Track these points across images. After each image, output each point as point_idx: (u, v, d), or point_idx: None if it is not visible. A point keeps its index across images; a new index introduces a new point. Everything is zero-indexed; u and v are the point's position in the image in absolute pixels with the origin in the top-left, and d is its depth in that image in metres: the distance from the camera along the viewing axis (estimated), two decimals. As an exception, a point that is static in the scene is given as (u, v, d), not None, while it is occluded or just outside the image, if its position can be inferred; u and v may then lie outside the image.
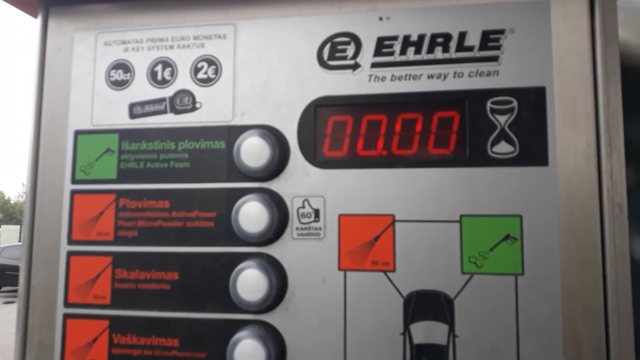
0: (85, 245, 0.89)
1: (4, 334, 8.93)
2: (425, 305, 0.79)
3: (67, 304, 0.89)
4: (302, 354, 0.82)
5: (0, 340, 8.56)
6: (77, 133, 0.91)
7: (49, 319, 0.89)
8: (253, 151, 0.83)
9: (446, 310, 0.79)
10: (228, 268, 0.84)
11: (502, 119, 0.79)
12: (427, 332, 0.79)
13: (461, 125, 0.80)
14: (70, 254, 0.89)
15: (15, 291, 13.72)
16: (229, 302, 0.83)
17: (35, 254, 0.91)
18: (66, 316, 0.89)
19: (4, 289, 14.07)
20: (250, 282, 0.82)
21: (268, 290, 0.81)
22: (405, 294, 0.80)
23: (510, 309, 0.77)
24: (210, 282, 0.85)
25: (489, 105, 0.80)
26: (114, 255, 0.88)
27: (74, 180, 0.91)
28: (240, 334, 0.82)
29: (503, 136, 0.79)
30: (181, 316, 0.85)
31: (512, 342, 0.77)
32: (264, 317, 0.83)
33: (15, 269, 12.96)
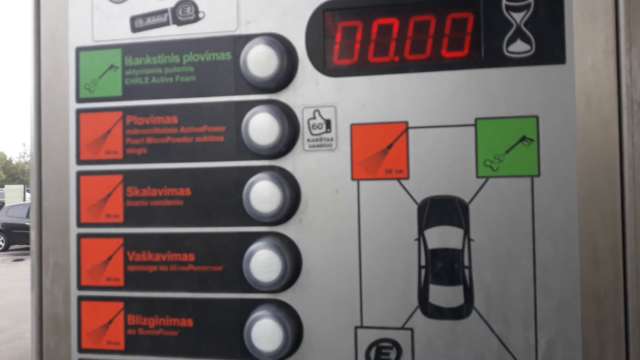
0: (94, 164, 0.88)
1: (15, 290, 9.13)
2: (440, 210, 0.79)
3: (80, 224, 0.89)
4: (317, 263, 0.82)
5: (13, 295, 8.75)
6: (79, 50, 0.89)
7: (63, 240, 0.89)
8: (260, 60, 0.81)
9: (461, 214, 0.78)
10: (240, 182, 0.83)
11: (517, 17, 0.76)
12: (442, 237, 0.79)
13: (475, 25, 0.78)
14: (79, 174, 0.88)
15: (24, 249, 13.94)
16: (243, 215, 0.83)
17: (45, 176, 0.90)
18: (80, 236, 0.89)
19: (12, 247, 14.28)
20: (263, 194, 0.81)
21: (282, 201, 0.81)
22: (419, 200, 0.80)
23: (526, 212, 0.77)
24: (223, 196, 0.84)
25: (504, 2, 0.77)
26: (125, 173, 0.87)
27: (79, 99, 0.89)
28: (255, 245, 0.82)
29: (519, 34, 0.76)
30: (196, 231, 0.85)
31: (527, 245, 0.77)
32: (279, 229, 0.83)
33: (22, 227, 13.11)
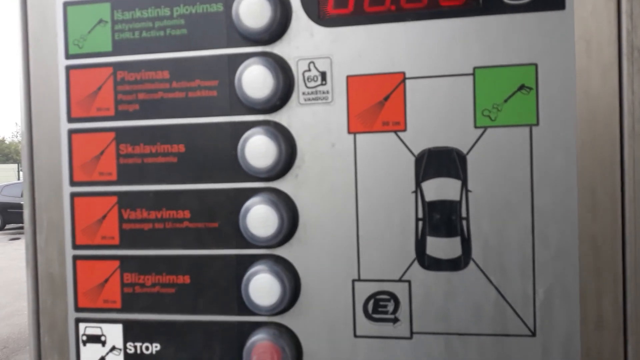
0: (85, 122, 0.87)
1: (13, 268, 9.15)
2: (437, 162, 0.78)
3: (73, 183, 0.87)
4: (314, 218, 0.81)
5: (10, 274, 8.78)
6: (66, 5, 0.86)
7: (56, 199, 0.88)
8: (253, 11, 0.79)
9: (459, 166, 0.78)
10: (235, 137, 0.82)
11: (517, -39, 0.74)
12: (439, 188, 0.78)
13: (473, -29, 0.76)
14: (71, 132, 0.87)
15: (20, 228, 13.93)
16: (239, 171, 0.82)
17: (36, 135, 0.88)
18: (73, 195, 0.87)
19: (7, 226, 14.27)
20: (258, 149, 0.80)
21: (277, 156, 0.80)
22: (416, 152, 0.79)
23: (525, 161, 0.76)
24: (217, 152, 0.83)
25: (503, -54, 0.75)
26: (117, 130, 0.86)
27: (68, 56, 0.87)
28: (252, 201, 0.81)
29: (518, -21, 0.75)
30: (190, 188, 0.84)
31: (526, 194, 0.76)
32: (275, 184, 0.82)
33: (17, 206, 13.07)
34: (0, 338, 5.82)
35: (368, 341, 0.80)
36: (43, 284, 0.89)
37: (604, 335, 0.75)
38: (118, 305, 0.87)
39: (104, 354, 0.87)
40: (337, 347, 0.81)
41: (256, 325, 0.83)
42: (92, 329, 0.88)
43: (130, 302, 0.86)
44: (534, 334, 0.76)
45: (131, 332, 0.87)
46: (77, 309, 0.88)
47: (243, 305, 0.82)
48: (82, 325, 0.88)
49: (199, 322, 0.84)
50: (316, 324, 0.82)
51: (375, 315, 0.80)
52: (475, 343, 0.77)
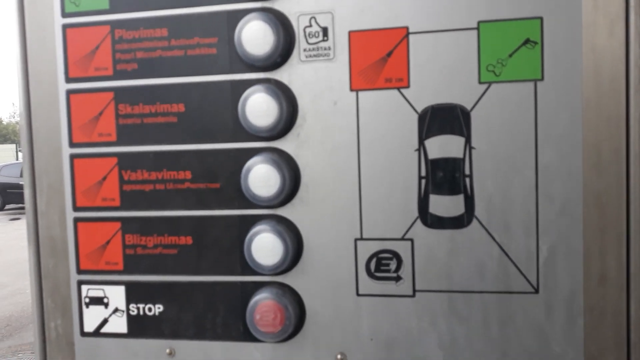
0: (84, 82, 0.85)
1: (14, 248, 9.18)
2: (441, 119, 0.77)
3: (72, 144, 0.86)
4: (316, 177, 0.81)
5: (12, 253, 8.81)
6: (61, -39, 0.84)
7: (55, 161, 0.87)
8: (253, -35, 0.77)
9: (462, 122, 0.77)
10: (235, 96, 0.81)
11: None
12: (443, 146, 0.77)
13: None
14: (69, 92, 0.86)
15: (20, 208, 13.94)
16: (240, 131, 0.81)
17: (33, 97, 0.87)
18: (73, 157, 0.87)
19: (7, 207, 14.27)
20: (259, 107, 0.79)
21: (278, 114, 0.79)
22: (419, 109, 0.78)
23: (529, 117, 0.75)
24: (217, 111, 0.82)
25: None
26: (116, 90, 0.84)
27: (65, 14, 0.85)
28: (253, 160, 0.80)
29: None
30: (191, 148, 0.83)
31: (530, 151, 0.75)
32: (276, 144, 0.81)
33: (17, 186, 13.05)
34: (3, 316, 5.87)
35: (371, 300, 0.80)
36: (45, 248, 0.89)
37: (607, 292, 0.75)
38: (120, 267, 0.87)
39: (106, 315, 0.88)
40: (340, 305, 0.81)
41: (259, 285, 0.83)
42: (95, 291, 0.88)
43: (132, 263, 0.86)
44: (537, 291, 0.76)
45: (134, 293, 0.86)
46: (79, 271, 0.88)
47: (246, 265, 0.82)
48: (84, 288, 0.88)
49: (202, 282, 0.84)
50: (319, 283, 0.81)
51: (377, 274, 0.80)
52: (478, 300, 0.77)
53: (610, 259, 0.75)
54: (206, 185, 0.83)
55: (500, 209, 0.76)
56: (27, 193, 0.89)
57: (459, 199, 0.77)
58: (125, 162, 0.85)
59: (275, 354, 0.83)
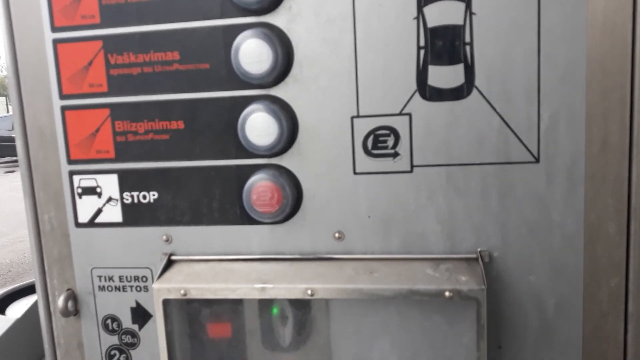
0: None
1: (11, 199, 9.19)
2: (440, -17, 0.73)
3: (54, 29, 0.83)
4: (310, 52, 0.77)
5: (9, 204, 8.83)
6: None
7: (38, 46, 0.83)
8: None
9: (462, -14, 0.73)
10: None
11: None
12: (443, 13, 0.74)
13: None
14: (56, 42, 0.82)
15: (14, 161, 13.86)
16: (228, 6, 0.77)
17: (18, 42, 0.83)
18: (56, 41, 0.83)
19: (1, 160, 14.19)
20: (248, -22, 0.75)
21: (268, -16, 0.75)
22: (417, -26, 0.74)
23: (532, -23, 0.71)
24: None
25: None
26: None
27: None
28: (243, 35, 0.77)
29: None
30: (179, 27, 0.79)
31: (532, 14, 0.72)
32: (267, 18, 0.77)
33: (9, 139, 12.93)
34: (5, 263, 5.94)
35: (368, 177, 0.79)
36: (33, 140, 0.87)
37: (609, 158, 0.74)
38: (111, 155, 0.84)
39: (100, 205, 0.86)
40: (337, 185, 0.80)
41: (255, 168, 0.81)
42: (87, 181, 0.86)
43: (123, 150, 0.84)
44: (537, 160, 0.75)
45: (126, 181, 0.85)
46: (70, 161, 0.86)
47: (240, 148, 0.80)
48: (76, 178, 0.86)
49: (196, 167, 0.83)
50: (315, 163, 0.80)
51: (374, 151, 0.78)
52: (478, 173, 0.76)
53: (612, 124, 0.73)
54: (195, 66, 0.80)
55: (500, 77, 0.74)
56: (10, 81, 0.86)
57: (459, 68, 0.75)
58: (111, 45, 0.81)
59: (273, 236, 0.82)
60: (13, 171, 12.77)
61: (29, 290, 1.40)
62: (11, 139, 12.76)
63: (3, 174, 12.62)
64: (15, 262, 6.24)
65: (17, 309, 1.22)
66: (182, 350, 0.83)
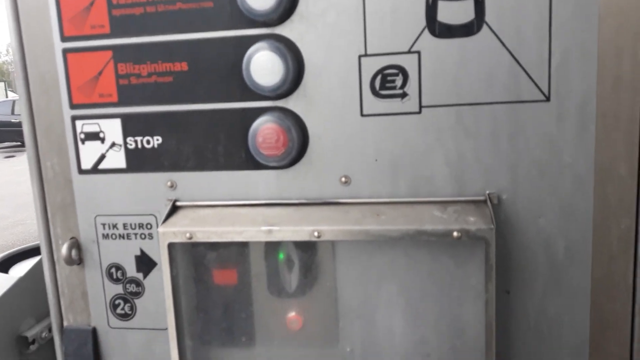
0: None
1: (12, 183, 9.19)
2: None
3: (54, -32, 0.81)
4: (316, -11, 0.76)
5: (10, 188, 8.83)
6: None
7: (38, -12, 0.82)
8: None
9: None
10: None
11: None
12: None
13: None
14: None
15: (14, 147, 13.84)
16: (232, -60, 0.76)
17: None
18: (56, -19, 0.81)
19: (1, 145, 14.17)
20: None
21: None
22: None
23: None
24: None
25: None
26: None
27: None
28: (248, -29, 0.75)
29: None
30: (181, -36, 0.78)
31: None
32: (272, -46, 0.76)
33: (9, 124, 12.89)
34: (6, 244, 5.95)
35: (375, 119, 0.78)
36: (35, 86, 0.85)
37: (621, 97, 0.72)
38: (114, 98, 0.83)
39: (104, 151, 0.85)
40: (344, 127, 0.78)
41: (260, 111, 0.80)
42: (90, 126, 0.85)
43: (126, 94, 0.83)
44: (548, 99, 0.73)
45: (130, 126, 0.84)
46: (72, 106, 0.84)
47: (246, 90, 0.79)
48: (78, 123, 0.85)
49: (201, 111, 0.81)
50: (321, 106, 0.78)
51: (382, 92, 0.77)
52: (487, 112, 0.75)
53: (626, 61, 0.71)
54: (199, 4, 0.78)
55: (511, 12, 0.72)
56: (10, 25, 0.84)
57: (469, 4, 0.73)
58: (113, -17, 0.80)
59: (279, 181, 0.81)
60: (13, 156, 12.76)
61: (32, 252, 1.40)
62: (11, 124, 12.73)
63: (3, 159, 12.61)
64: (16, 244, 6.25)
65: (21, 269, 1.22)
66: (187, 296, 0.83)
